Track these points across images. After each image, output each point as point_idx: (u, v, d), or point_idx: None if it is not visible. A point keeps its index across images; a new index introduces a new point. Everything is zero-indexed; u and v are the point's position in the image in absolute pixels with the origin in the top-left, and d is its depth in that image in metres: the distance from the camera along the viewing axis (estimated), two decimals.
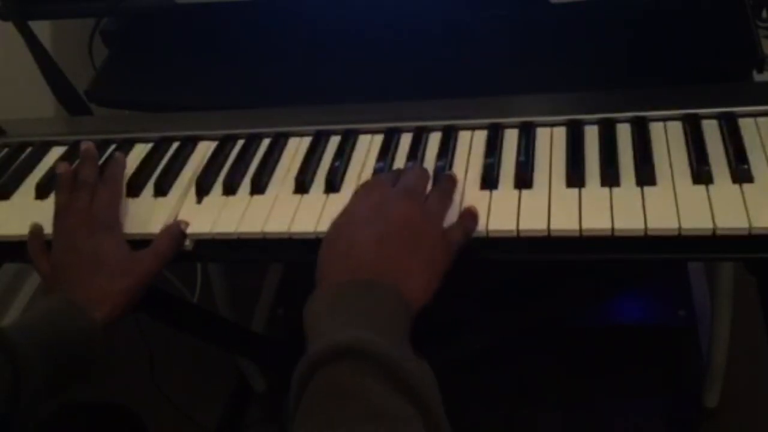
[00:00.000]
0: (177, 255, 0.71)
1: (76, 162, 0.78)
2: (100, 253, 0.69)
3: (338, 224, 0.63)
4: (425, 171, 0.68)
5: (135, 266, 0.69)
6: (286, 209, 0.71)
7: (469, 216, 0.65)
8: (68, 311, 0.66)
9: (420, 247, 0.59)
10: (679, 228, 0.60)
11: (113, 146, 0.83)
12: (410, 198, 0.63)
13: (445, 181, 0.68)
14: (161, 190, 0.76)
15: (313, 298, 0.57)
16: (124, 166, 0.78)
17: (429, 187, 0.67)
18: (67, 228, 0.71)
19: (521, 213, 0.65)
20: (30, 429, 0.64)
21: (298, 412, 0.50)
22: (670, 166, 0.67)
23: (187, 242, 0.71)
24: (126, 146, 0.83)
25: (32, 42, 0.94)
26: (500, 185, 0.69)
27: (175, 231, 0.70)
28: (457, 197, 0.67)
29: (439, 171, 0.71)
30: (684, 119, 0.71)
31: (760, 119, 0.70)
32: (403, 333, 0.54)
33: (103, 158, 0.81)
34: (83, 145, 0.79)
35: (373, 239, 0.59)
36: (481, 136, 0.75)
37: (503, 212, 0.65)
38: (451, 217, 0.65)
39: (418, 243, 0.59)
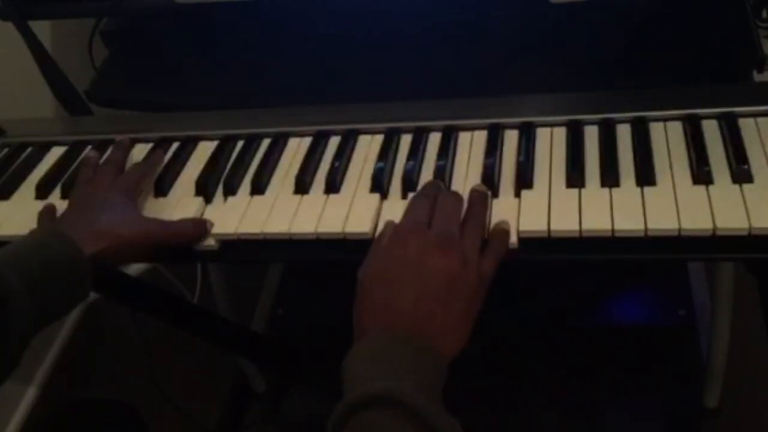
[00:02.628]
0: (175, 253, 0.70)
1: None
2: (107, 203, 0.70)
3: (374, 273, 0.61)
4: (457, 197, 0.66)
5: (137, 222, 0.70)
6: (286, 209, 0.71)
7: (498, 241, 0.63)
8: (56, 240, 0.65)
9: (458, 300, 0.59)
10: (679, 228, 0.60)
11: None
12: (447, 246, 0.61)
13: (478, 205, 0.66)
14: (161, 190, 0.76)
15: (352, 353, 0.57)
16: (161, 161, 0.79)
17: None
18: (83, 191, 0.73)
19: (521, 213, 0.65)
20: (20, 360, 0.62)
21: None
22: (670, 166, 0.67)
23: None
24: None
25: (32, 42, 0.94)
26: (500, 185, 0.69)
27: (196, 225, 0.71)
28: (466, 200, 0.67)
29: (439, 171, 0.71)
30: (684, 119, 0.71)
31: (760, 119, 0.70)
32: (438, 389, 0.55)
33: (102, 159, 0.81)
34: (118, 137, 0.81)
35: (412, 296, 0.58)
36: (481, 136, 0.75)
37: (503, 213, 0.65)
38: None
39: (456, 296, 0.59)
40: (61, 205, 0.75)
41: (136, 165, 0.77)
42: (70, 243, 0.65)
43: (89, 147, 0.84)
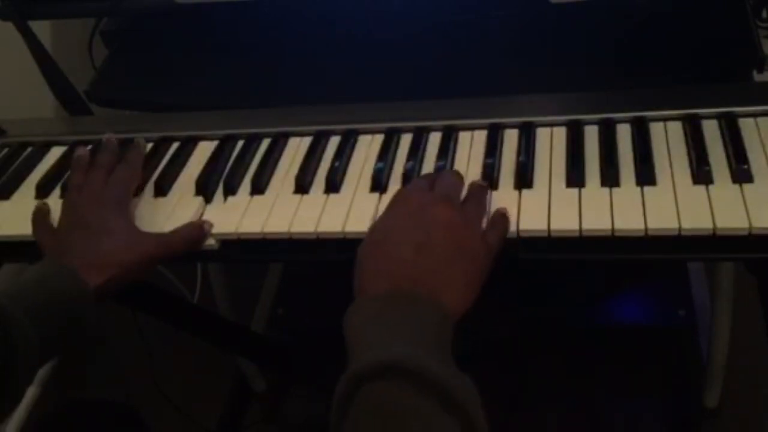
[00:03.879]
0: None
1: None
2: (105, 225, 0.69)
3: (378, 231, 0.61)
4: (459, 175, 0.67)
5: (137, 244, 0.69)
6: (286, 209, 0.71)
7: (502, 217, 0.64)
8: (59, 275, 0.65)
9: (461, 254, 0.58)
10: (679, 228, 0.60)
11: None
12: (449, 203, 0.61)
13: (478, 189, 0.66)
14: (161, 190, 0.76)
15: (353, 310, 0.56)
16: (144, 152, 0.78)
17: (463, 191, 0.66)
18: (77, 202, 0.72)
19: (521, 213, 0.65)
20: (25, 393, 0.62)
21: (343, 429, 0.49)
22: (670, 166, 0.67)
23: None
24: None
25: (32, 42, 0.94)
26: (500, 185, 0.69)
27: (193, 231, 0.70)
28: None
29: (439, 171, 0.71)
30: (684, 119, 0.71)
31: (760, 119, 0.70)
32: (446, 347, 0.54)
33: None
34: (105, 137, 0.80)
35: (414, 249, 0.58)
36: (481, 136, 0.75)
37: None
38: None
39: (459, 250, 0.58)
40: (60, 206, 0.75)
41: (121, 168, 0.75)
42: (74, 277, 0.64)
43: (89, 147, 0.84)
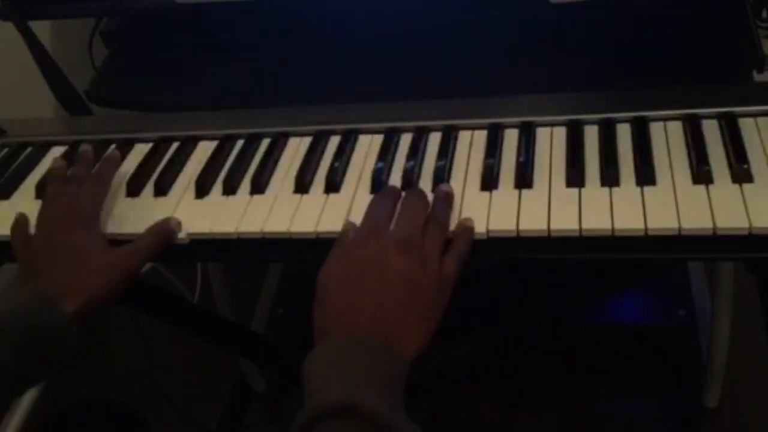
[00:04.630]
0: (176, 253, 0.70)
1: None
2: (76, 247, 0.69)
3: (335, 275, 0.62)
4: (422, 201, 0.66)
5: (111, 263, 0.69)
6: (286, 209, 0.71)
7: (463, 239, 0.64)
8: (38, 304, 0.65)
9: (417, 303, 0.59)
10: (679, 228, 0.60)
11: (113, 146, 0.83)
12: (407, 249, 0.61)
13: (440, 206, 0.66)
14: (161, 190, 0.76)
15: (312, 357, 0.57)
16: (117, 165, 0.78)
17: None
18: (48, 218, 0.72)
19: (521, 213, 0.65)
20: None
21: None
22: (670, 166, 0.67)
23: (183, 235, 0.70)
24: (126, 146, 0.83)
25: (32, 42, 0.94)
26: (500, 185, 0.69)
27: (161, 230, 0.71)
28: (456, 199, 0.67)
29: (438, 171, 0.71)
30: (684, 119, 0.71)
31: (760, 119, 0.70)
32: (398, 394, 0.55)
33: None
34: (81, 147, 0.80)
35: (372, 299, 0.59)
36: (481, 136, 0.75)
37: (503, 212, 0.65)
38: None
39: (415, 299, 0.59)
40: None
41: (90, 183, 0.75)
42: (51, 307, 0.65)
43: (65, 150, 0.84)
